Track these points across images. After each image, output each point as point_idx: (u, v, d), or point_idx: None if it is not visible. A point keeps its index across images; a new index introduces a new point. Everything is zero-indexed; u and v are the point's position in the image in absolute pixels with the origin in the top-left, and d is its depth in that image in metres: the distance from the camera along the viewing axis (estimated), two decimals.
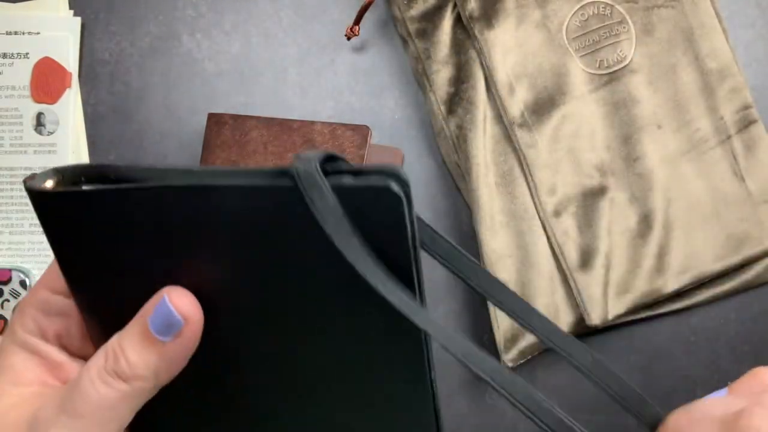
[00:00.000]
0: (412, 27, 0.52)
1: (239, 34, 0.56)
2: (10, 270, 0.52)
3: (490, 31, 0.51)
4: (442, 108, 0.52)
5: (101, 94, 0.55)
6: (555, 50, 0.51)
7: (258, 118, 0.49)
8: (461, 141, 0.51)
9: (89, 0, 0.56)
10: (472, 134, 0.50)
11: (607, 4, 0.52)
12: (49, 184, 0.23)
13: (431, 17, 0.52)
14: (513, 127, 0.50)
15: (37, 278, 0.53)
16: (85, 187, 0.23)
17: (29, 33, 0.55)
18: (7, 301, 0.52)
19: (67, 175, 0.23)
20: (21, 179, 0.55)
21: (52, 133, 0.55)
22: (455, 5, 0.52)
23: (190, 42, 0.56)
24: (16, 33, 0.55)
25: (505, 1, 0.51)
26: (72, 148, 0.55)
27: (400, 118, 0.55)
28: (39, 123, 0.55)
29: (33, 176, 0.23)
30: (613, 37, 0.51)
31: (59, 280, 0.26)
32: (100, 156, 0.55)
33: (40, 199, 0.23)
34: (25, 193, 0.54)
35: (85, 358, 0.27)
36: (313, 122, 0.49)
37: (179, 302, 0.24)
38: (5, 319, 0.52)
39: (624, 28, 0.51)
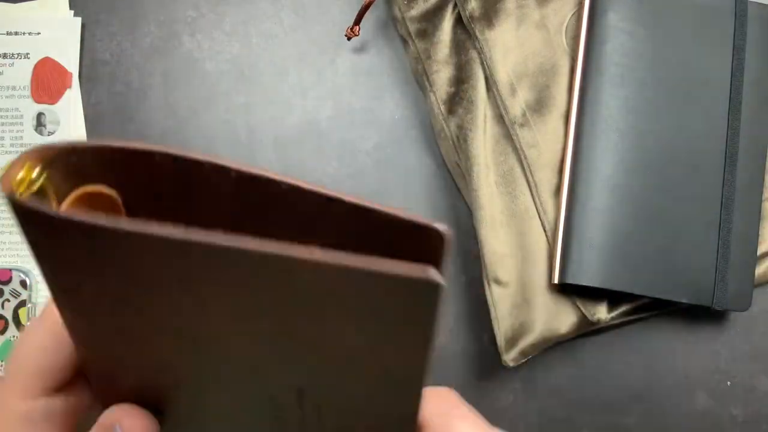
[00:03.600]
0: (413, 27, 0.52)
1: (239, 34, 0.56)
2: (10, 270, 0.52)
3: (491, 31, 0.51)
4: (443, 108, 0.52)
5: (101, 94, 0.55)
6: (556, 50, 0.51)
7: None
8: (461, 141, 0.51)
9: (89, 0, 0.56)
10: (473, 134, 0.50)
11: None
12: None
13: (431, 17, 0.52)
14: (514, 127, 0.50)
15: (39, 278, 0.53)
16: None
17: (30, 33, 0.55)
18: (8, 301, 0.52)
19: None
20: None
21: (52, 133, 0.55)
22: (455, 5, 0.52)
23: (190, 42, 0.56)
24: (16, 33, 0.55)
25: (505, 1, 0.51)
26: None
27: (400, 118, 0.55)
28: (39, 123, 0.55)
29: None
30: None
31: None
32: None
33: None
34: None
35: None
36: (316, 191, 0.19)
37: (131, 425, 0.23)
38: (5, 319, 0.52)
39: None
